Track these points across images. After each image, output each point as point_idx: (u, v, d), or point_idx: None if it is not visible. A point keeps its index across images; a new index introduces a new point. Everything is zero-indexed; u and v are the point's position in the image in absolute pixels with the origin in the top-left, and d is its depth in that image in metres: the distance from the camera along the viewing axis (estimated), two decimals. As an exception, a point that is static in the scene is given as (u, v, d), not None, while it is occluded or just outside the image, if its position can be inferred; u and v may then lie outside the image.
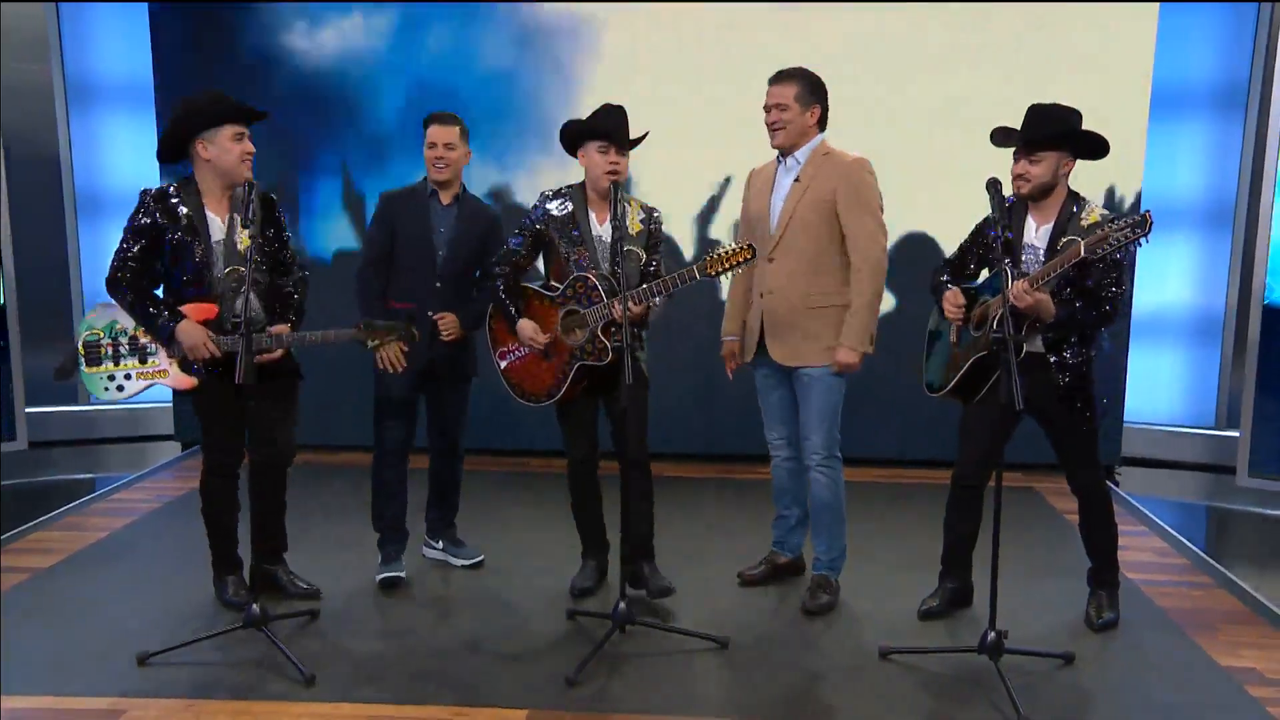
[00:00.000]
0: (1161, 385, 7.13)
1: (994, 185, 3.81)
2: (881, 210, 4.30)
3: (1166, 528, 5.48)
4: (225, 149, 4.01)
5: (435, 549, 4.86)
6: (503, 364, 4.41)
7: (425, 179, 4.53)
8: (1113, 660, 3.94)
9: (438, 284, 4.43)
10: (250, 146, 4.07)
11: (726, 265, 3.97)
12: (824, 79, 4.30)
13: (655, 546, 4.66)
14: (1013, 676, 3.64)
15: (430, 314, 4.40)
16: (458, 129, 4.45)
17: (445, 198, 4.51)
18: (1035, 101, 4.05)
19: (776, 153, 4.35)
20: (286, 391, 4.28)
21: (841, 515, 4.43)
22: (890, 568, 4.82)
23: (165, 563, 4.84)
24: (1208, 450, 6.90)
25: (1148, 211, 3.64)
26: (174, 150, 4.10)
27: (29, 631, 4.08)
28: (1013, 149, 3.99)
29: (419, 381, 4.51)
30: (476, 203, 4.64)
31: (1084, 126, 4.00)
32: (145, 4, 6.68)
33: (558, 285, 4.27)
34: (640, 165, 5.89)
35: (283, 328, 4.10)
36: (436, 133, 4.43)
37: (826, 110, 4.32)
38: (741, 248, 3.96)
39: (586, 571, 4.58)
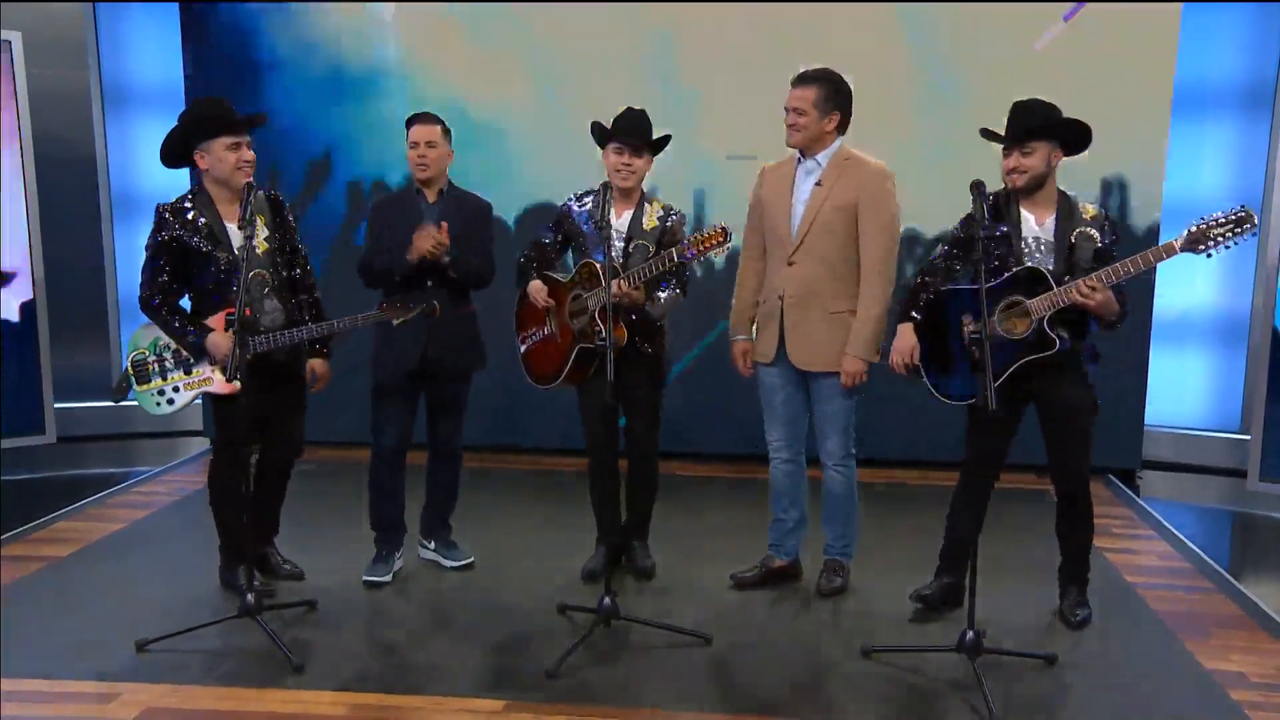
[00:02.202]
0: (1186, 388, 7.04)
1: (978, 187, 3.81)
2: (899, 222, 4.30)
3: (1174, 531, 5.43)
4: (220, 158, 4.13)
5: (429, 549, 4.88)
6: (522, 348, 4.58)
7: (411, 180, 4.60)
8: (1096, 661, 3.93)
9: (429, 283, 4.45)
10: (248, 154, 4.16)
11: (704, 247, 4.05)
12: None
13: (656, 544, 4.76)
14: (995, 677, 3.67)
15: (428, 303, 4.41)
16: (439, 128, 4.49)
17: (430, 195, 4.54)
18: (1056, 99, 4.10)
19: (795, 152, 4.35)
20: (295, 389, 4.42)
21: (854, 506, 4.50)
22: (885, 569, 4.81)
23: (176, 554, 4.99)
24: (1232, 454, 6.79)
25: (1246, 206, 3.66)
26: (176, 157, 4.25)
27: (37, 617, 4.23)
28: (1002, 146, 4.01)
29: (415, 383, 4.56)
30: (463, 195, 4.63)
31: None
32: (176, 3, 6.86)
33: (570, 271, 4.45)
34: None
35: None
36: (419, 132, 4.47)
37: (849, 115, 4.30)
38: (716, 230, 4.04)
39: (598, 555, 4.69)
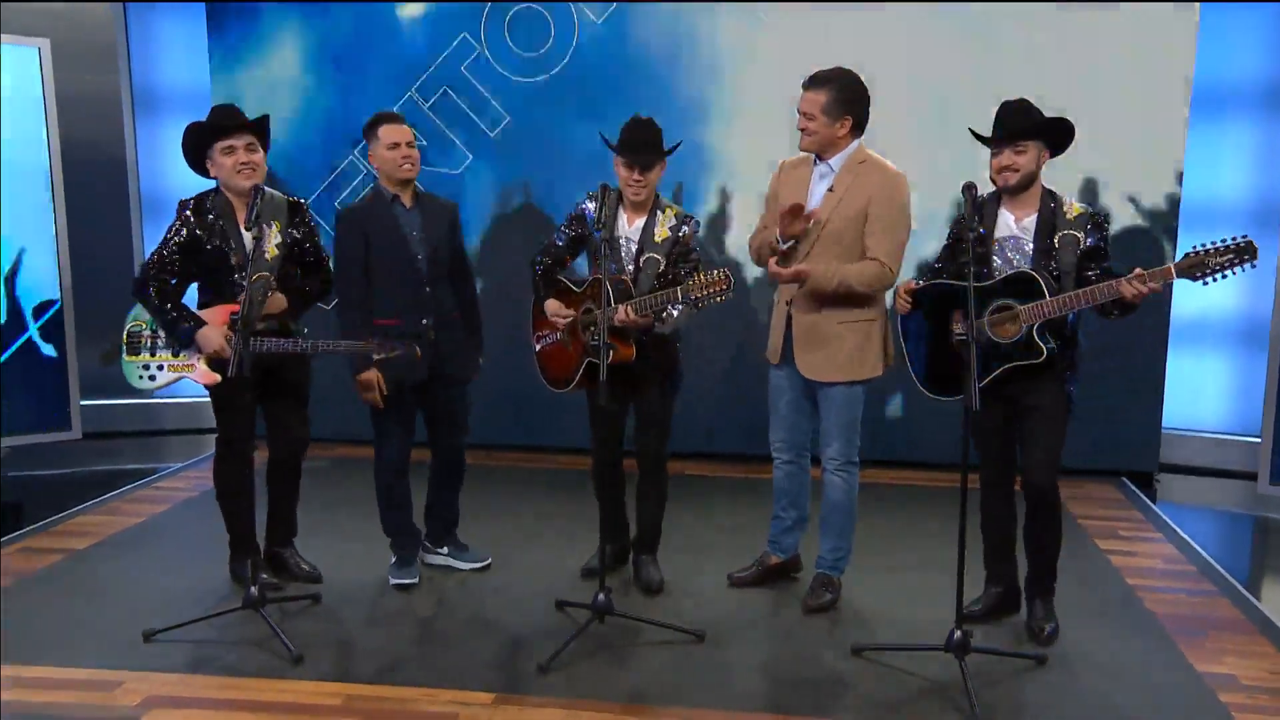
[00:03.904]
0: (1207, 391, 6.99)
1: (969, 189, 3.83)
2: (908, 228, 4.23)
3: (1181, 534, 5.41)
4: (218, 164, 4.25)
5: (440, 554, 4.86)
6: (537, 346, 4.62)
7: (376, 187, 4.50)
8: (1085, 662, 3.94)
9: (427, 289, 4.45)
10: (244, 156, 4.23)
11: (705, 292, 4.03)
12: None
13: (661, 542, 4.76)
14: (982, 676, 3.70)
15: (424, 321, 4.43)
16: (408, 126, 4.44)
17: (407, 200, 4.47)
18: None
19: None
20: (293, 389, 4.50)
21: (852, 517, 4.44)
22: (879, 568, 4.85)
23: (189, 547, 5.12)
24: (1252, 458, 6.72)
25: (1248, 238, 3.60)
26: (199, 167, 4.37)
27: (50, 607, 4.36)
28: (990, 146, 3.99)
29: (416, 393, 4.54)
30: (433, 197, 4.61)
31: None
32: (202, 3, 7.03)
33: (584, 281, 4.47)
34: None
35: (279, 299, 4.32)
36: (396, 132, 4.36)
37: (864, 118, 4.20)
38: (718, 277, 4.01)
39: (598, 554, 4.71)
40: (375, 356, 4.20)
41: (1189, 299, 6.69)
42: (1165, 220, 6.39)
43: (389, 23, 6.87)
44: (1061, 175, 6.03)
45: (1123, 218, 6.39)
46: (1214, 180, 6.72)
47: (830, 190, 4.20)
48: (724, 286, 4.01)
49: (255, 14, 6.95)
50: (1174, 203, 6.38)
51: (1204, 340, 6.92)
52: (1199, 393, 6.95)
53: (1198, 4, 6.26)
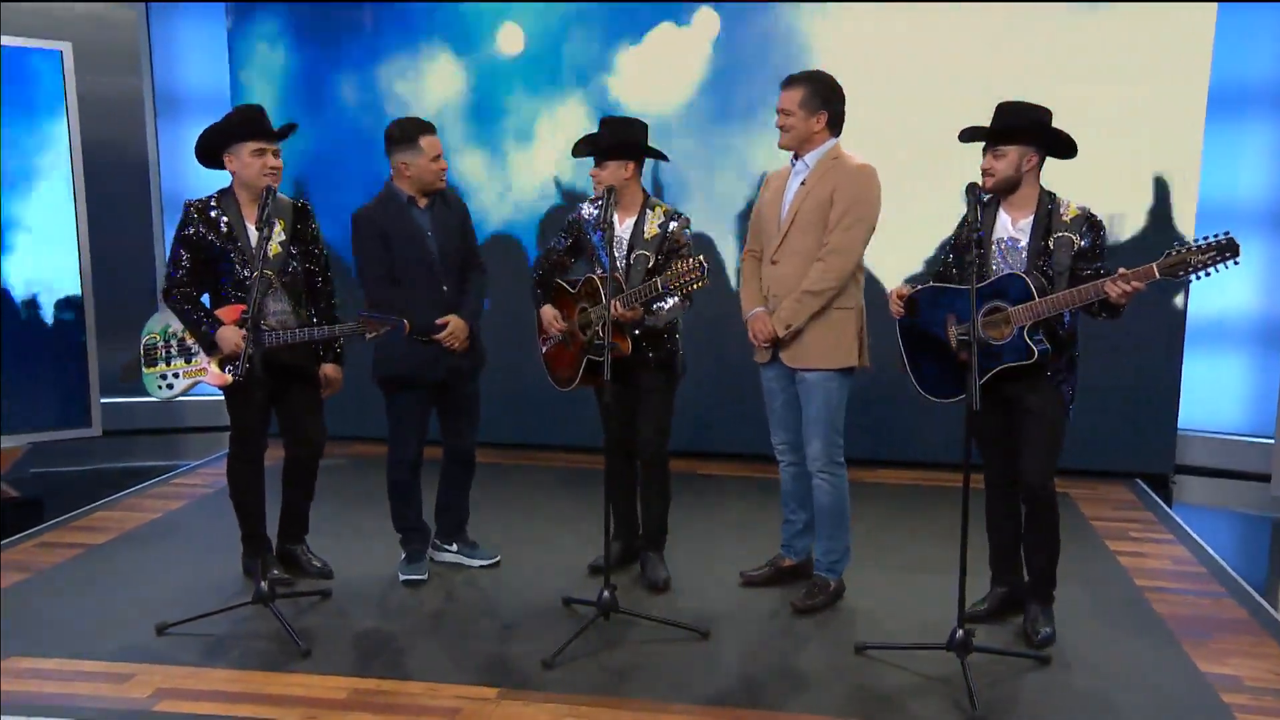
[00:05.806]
0: (1223, 392, 6.95)
1: (973, 189, 3.84)
2: (870, 218, 4.27)
3: (1193, 535, 5.40)
4: (246, 163, 4.31)
5: (449, 551, 4.92)
6: (543, 348, 4.70)
7: (389, 188, 4.54)
8: (1087, 662, 3.94)
9: (444, 288, 4.52)
10: (273, 161, 4.33)
11: (681, 281, 4.11)
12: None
13: (671, 540, 4.79)
14: (984, 675, 3.71)
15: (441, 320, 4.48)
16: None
17: (422, 201, 4.55)
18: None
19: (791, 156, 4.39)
20: (309, 390, 4.56)
21: (843, 519, 4.45)
22: (890, 569, 4.86)
23: (203, 543, 5.18)
24: (1268, 460, 6.69)
25: (1230, 234, 3.58)
26: (210, 158, 4.42)
27: (64, 600, 4.44)
28: (983, 146, 4.00)
29: (431, 392, 4.60)
30: (444, 196, 4.64)
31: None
32: (223, 3, 7.14)
33: (578, 281, 4.55)
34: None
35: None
36: (436, 143, 4.49)
37: (839, 115, 4.31)
38: (691, 266, 4.10)
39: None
40: (368, 336, 4.24)
41: (1206, 301, 6.67)
42: (1182, 221, 6.35)
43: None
44: (1074, 176, 6.09)
45: (1138, 219, 6.37)
46: (1231, 181, 6.69)
47: (803, 184, 4.31)
48: (697, 274, 4.11)
49: (275, 15, 7.03)
50: (1191, 203, 6.35)
51: (1221, 342, 6.89)
52: (1215, 394, 6.92)
53: (1215, 4, 6.24)
